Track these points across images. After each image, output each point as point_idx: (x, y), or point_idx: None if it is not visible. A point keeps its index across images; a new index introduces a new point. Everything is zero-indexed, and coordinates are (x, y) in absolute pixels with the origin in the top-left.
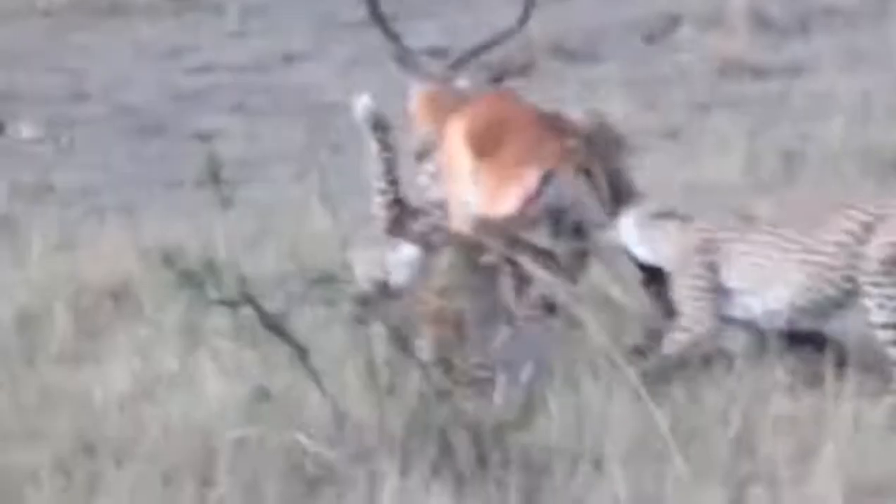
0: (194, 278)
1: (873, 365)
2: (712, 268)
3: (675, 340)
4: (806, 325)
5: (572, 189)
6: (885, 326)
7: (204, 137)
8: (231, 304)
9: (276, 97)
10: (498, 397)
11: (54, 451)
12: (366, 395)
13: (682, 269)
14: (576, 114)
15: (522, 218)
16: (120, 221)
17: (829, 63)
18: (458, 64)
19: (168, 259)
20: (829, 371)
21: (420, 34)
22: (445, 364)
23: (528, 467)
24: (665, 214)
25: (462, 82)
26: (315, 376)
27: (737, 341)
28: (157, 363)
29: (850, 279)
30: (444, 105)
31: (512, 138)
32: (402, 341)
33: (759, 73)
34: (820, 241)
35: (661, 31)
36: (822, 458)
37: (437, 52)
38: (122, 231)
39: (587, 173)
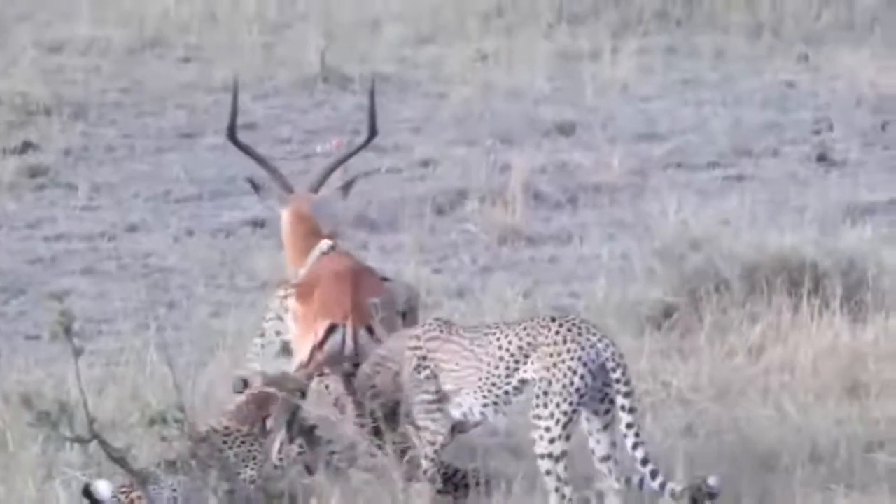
0: (50, 418)
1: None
2: None
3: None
4: None
5: (354, 340)
6: (541, 457)
7: (59, 296)
8: (81, 441)
9: (121, 262)
10: None
11: None
12: None
13: None
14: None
15: (312, 364)
16: None
17: (593, 232)
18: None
19: (27, 402)
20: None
21: (244, 208)
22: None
23: None
24: None
25: None
26: (153, 502)
27: (513, 467)
28: (19, 492)
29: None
30: None
31: (317, 295)
32: (227, 472)
33: (533, 240)
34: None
35: (449, 204)
36: None
37: (257, 223)
38: None
39: (369, 329)
